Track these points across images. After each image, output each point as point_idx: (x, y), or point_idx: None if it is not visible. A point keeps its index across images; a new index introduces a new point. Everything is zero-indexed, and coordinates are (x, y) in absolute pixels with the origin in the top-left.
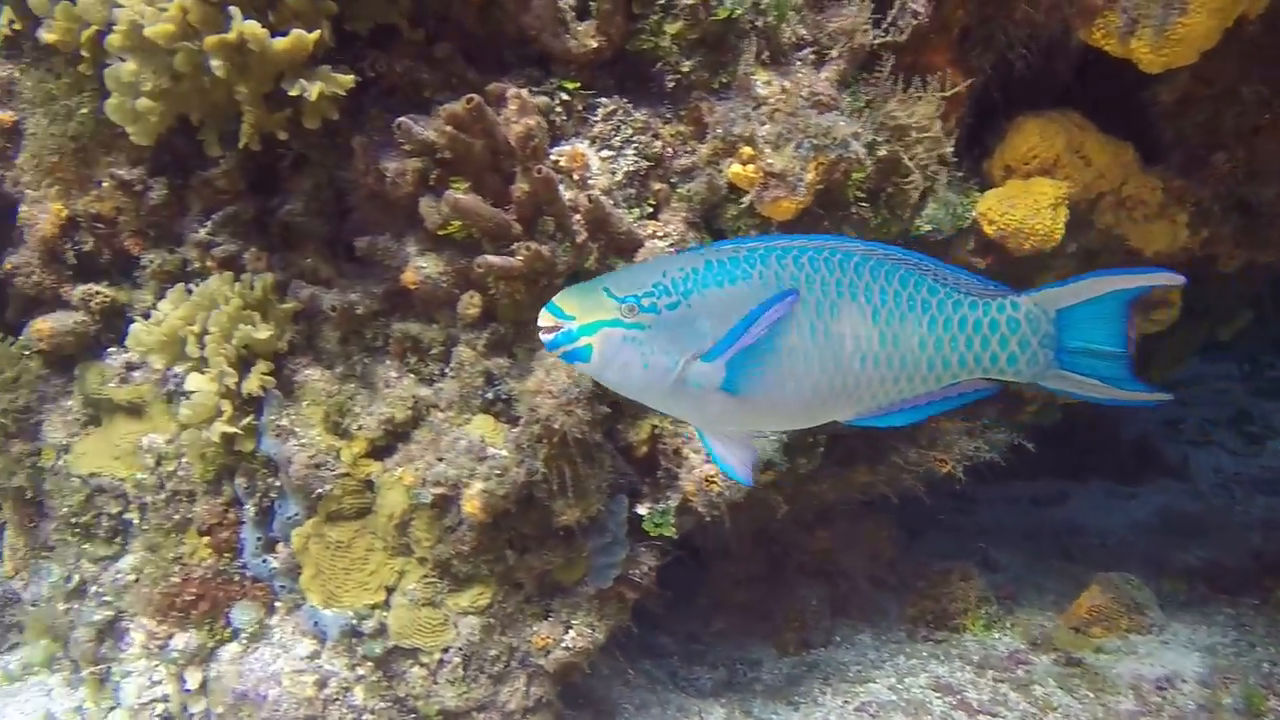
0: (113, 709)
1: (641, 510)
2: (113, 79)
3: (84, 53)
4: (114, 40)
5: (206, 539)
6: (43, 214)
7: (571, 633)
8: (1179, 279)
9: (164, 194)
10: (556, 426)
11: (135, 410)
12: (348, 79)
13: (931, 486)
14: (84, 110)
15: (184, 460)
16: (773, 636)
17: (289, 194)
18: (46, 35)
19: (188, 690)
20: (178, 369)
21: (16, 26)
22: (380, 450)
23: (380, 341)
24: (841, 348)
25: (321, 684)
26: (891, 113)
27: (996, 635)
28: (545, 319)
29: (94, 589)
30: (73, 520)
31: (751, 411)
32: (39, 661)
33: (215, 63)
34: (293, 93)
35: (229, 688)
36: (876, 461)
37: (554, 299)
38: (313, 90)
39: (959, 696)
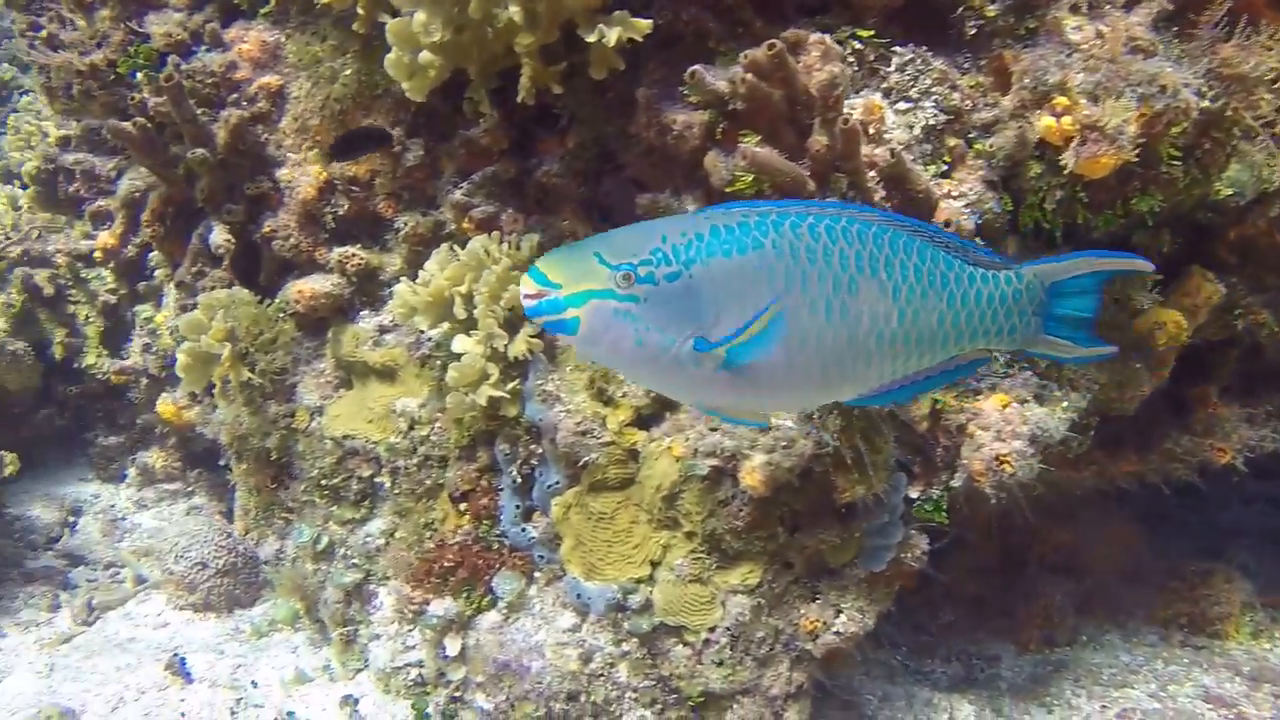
0: (360, 670)
1: (912, 493)
2: (396, 33)
3: (360, 9)
4: None
5: (463, 505)
6: (303, 177)
7: (842, 617)
8: (1149, 266)
9: (420, 155)
10: None
11: (388, 373)
12: (645, 23)
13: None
14: (347, 72)
15: (437, 425)
16: (1011, 632)
17: (544, 155)
18: None
19: (446, 657)
20: (432, 333)
21: None
22: (645, 419)
23: None
24: (858, 326)
25: (586, 658)
26: (1229, 60)
27: (1266, 645)
28: (528, 285)
29: (342, 551)
30: (323, 482)
31: (754, 394)
32: (283, 619)
33: (513, 8)
34: (590, 39)
35: (490, 657)
36: (1146, 450)
37: (538, 262)
38: (611, 35)
39: (1234, 711)
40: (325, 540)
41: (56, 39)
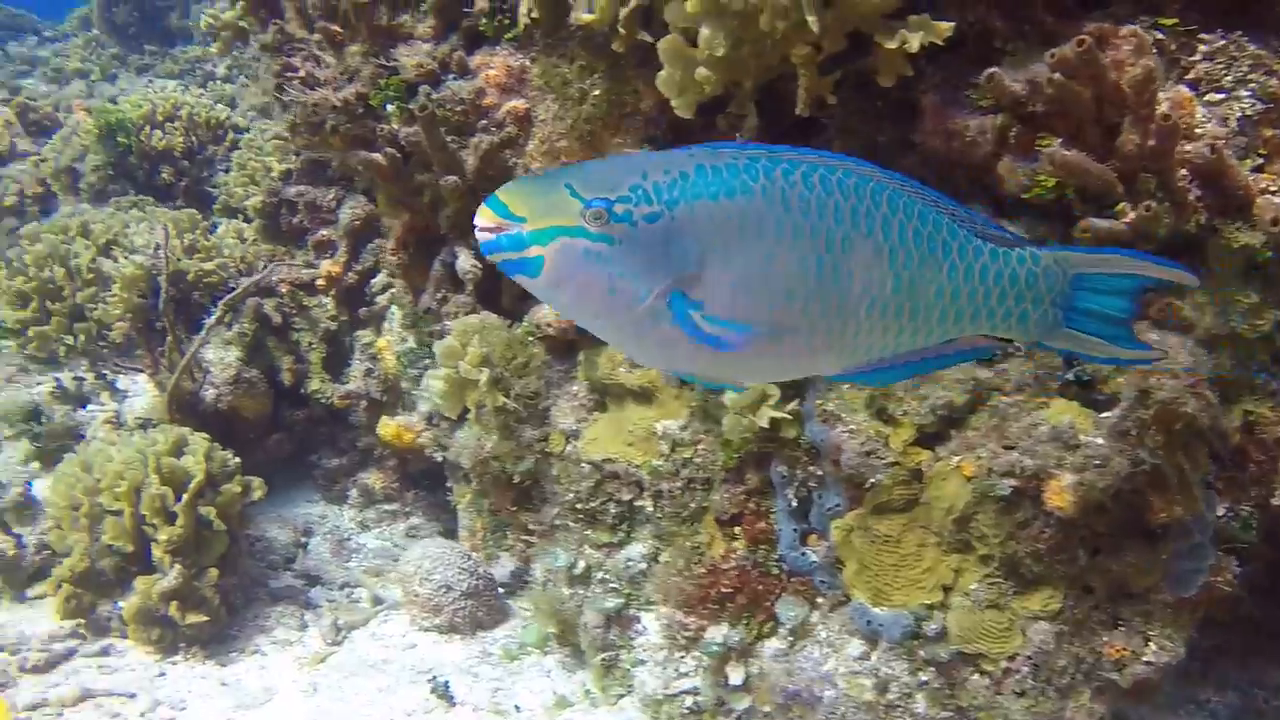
0: (622, 695)
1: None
2: (668, 50)
3: (621, 29)
4: (690, 7)
5: (734, 528)
6: None
7: (1152, 645)
8: (1193, 279)
9: None
10: (1182, 411)
11: (645, 395)
12: (946, 26)
13: None
14: (596, 92)
15: (700, 447)
16: None
17: None
18: (583, 17)
19: (729, 686)
20: None
21: (535, 15)
22: (928, 437)
23: None
24: (849, 289)
25: (882, 688)
26: None
27: None
28: (485, 217)
29: (600, 575)
30: (578, 506)
31: (732, 358)
32: (534, 642)
33: (810, 18)
34: (889, 45)
35: (778, 685)
36: None
37: (498, 192)
38: (914, 40)
39: None
40: (582, 564)
41: (313, 77)
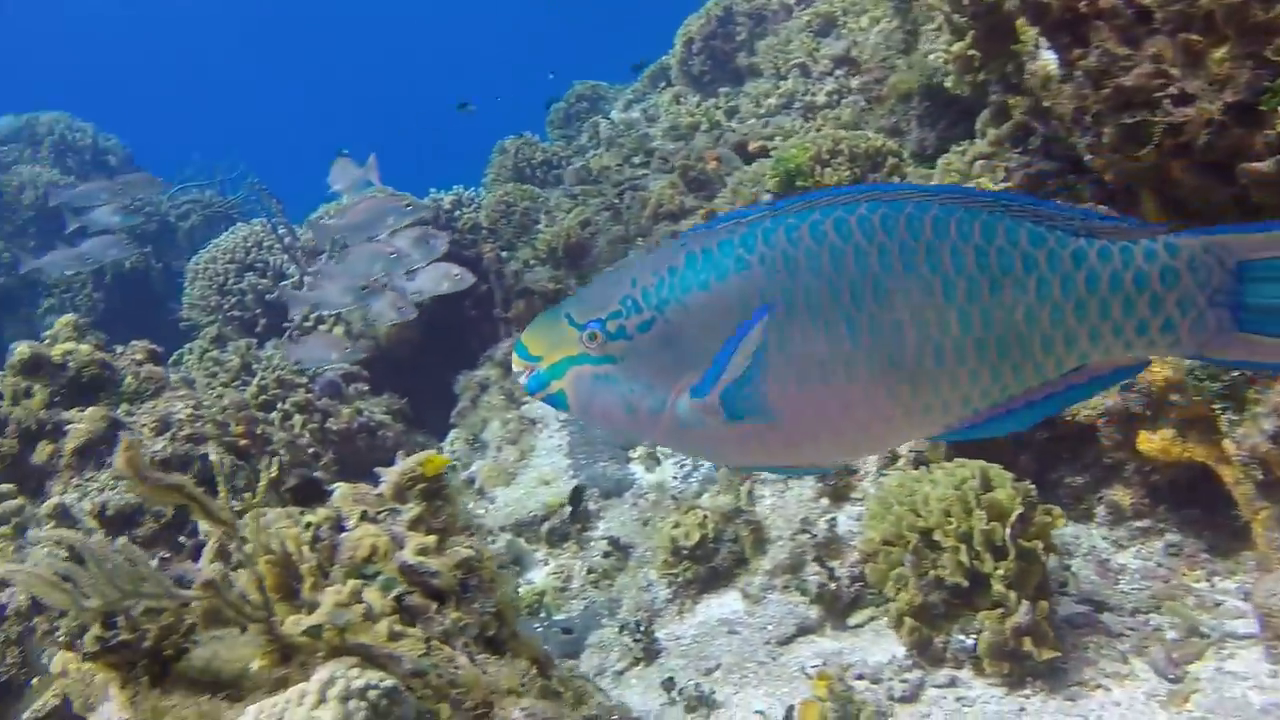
0: None
1: None
2: None
3: None
4: None
5: None
6: None
7: None
8: None
9: None
10: None
11: None
12: None
13: None
14: None
15: None
16: None
17: None
18: None
19: None
20: None
21: None
22: None
23: None
24: (900, 341)
25: None
26: None
27: None
28: (516, 363)
29: None
30: None
31: (786, 448)
32: None
33: None
34: None
35: None
36: None
37: (522, 334)
38: None
39: None
40: None
41: (1185, 92)
